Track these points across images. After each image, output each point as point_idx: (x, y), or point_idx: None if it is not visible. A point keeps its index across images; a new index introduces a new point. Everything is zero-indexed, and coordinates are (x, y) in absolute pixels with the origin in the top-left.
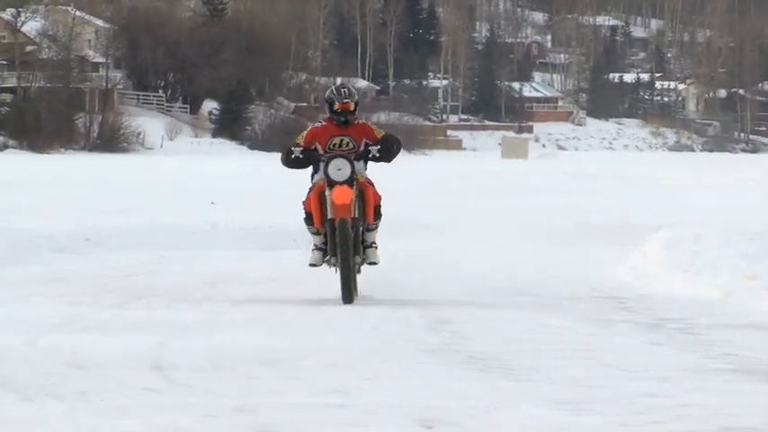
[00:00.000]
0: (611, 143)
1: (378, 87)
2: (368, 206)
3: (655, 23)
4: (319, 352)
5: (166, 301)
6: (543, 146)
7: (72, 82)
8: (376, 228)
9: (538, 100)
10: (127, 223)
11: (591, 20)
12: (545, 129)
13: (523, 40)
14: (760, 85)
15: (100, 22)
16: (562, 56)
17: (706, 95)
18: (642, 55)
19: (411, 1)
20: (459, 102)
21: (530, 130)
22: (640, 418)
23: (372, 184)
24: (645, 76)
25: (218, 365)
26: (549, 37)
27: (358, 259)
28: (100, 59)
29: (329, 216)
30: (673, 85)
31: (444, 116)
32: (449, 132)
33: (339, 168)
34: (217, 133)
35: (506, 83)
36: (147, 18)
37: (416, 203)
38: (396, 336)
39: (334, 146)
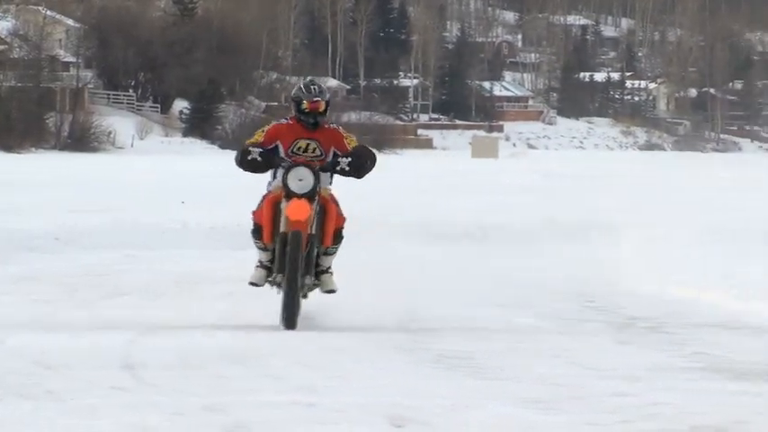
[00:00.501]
0: (581, 142)
1: (348, 86)
2: (328, 227)
3: (625, 23)
4: (288, 351)
5: (136, 300)
6: (514, 145)
7: (43, 81)
8: (334, 252)
9: (508, 99)
10: (97, 222)
11: (561, 19)
12: (515, 128)
13: (494, 40)
14: (730, 84)
15: (71, 22)
16: (533, 55)
17: (676, 95)
18: (613, 54)
19: (382, 0)
20: (429, 101)
21: (500, 129)
22: (608, 417)
23: (337, 204)
24: (615, 76)
25: (186, 364)
26: (519, 36)
27: (308, 281)
28: (71, 59)
29: (282, 230)
30: (643, 84)
31: (415, 115)
32: (419, 131)
33: (300, 179)
34: (187, 132)
35: (477, 82)
36: (117, 18)
37: (389, 203)
38: (365, 334)
39: (297, 150)
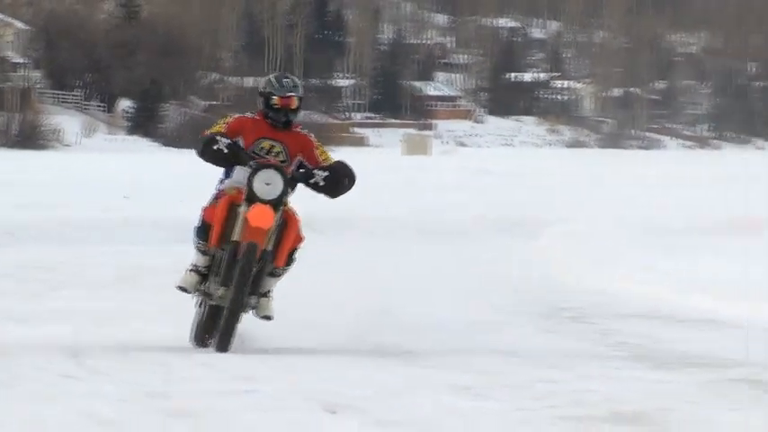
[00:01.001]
0: (510, 140)
1: None
2: (284, 245)
3: (554, 25)
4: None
5: (82, 293)
6: (447, 143)
7: None
8: (281, 275)
9: (440, 98)
10: (43, 217)
11: (492, 22)
12: (446, 126)
13: (427, 42)
14: (653, 84)
15: (20, 24)
16: (464, 56)
17: (602, 94)
18: (541, 55)
19: (318, 4)
20: (364, 100)
21: (431, 127)
22: (536, 402)
23: (299, 220)
24: (543, 76)
25: (131, 353)
26: (451, 38)
27: (252, 301)
28: (20, 60)
29: (235, 237)
30: (570, 84)
31: (350, 114)
32: (354, 129)
33: (268, 183)
34: (132, 131)
35: (409, 82)
36: (65, 20)
37: (321, 198)
38: (305, 325)
39: (260, 150)
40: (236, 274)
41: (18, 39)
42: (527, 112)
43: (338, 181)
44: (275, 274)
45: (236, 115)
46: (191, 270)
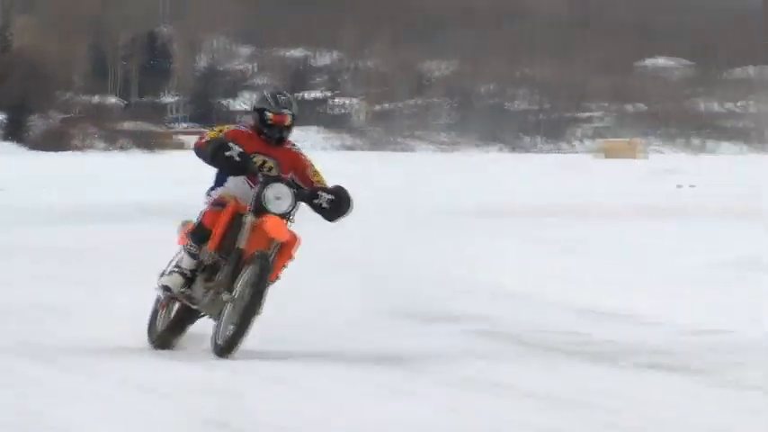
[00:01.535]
0: (300, 145)
1: (125, 102)
2: (279, 261)
3: (335, 53)
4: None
5: None
6: None
7: None
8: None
9: (244, 111)
10: None
11: (285, 53)
12: None
13: (235, 67)
14: (410, 101)
15: None
16: (264, 79)
17: (373, 108)
18: (324, 77)
19: (150, 38)
20: (186, 113)
21: None
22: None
23: (299, 240)
24: (325, 94)
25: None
26: (253, 65)
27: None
28: None
29: (240, 245)
30: (345, 101)
31: (174, 124)
32: (178, 137)
33: (279, 197)
34: (5, 138)
35: (220, 100)
36: None
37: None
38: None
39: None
40: (250, 283)
41: None
42: (312, 123)
43: (341, 206)
44: None
45: (232, 127)
46: (175, 271)
